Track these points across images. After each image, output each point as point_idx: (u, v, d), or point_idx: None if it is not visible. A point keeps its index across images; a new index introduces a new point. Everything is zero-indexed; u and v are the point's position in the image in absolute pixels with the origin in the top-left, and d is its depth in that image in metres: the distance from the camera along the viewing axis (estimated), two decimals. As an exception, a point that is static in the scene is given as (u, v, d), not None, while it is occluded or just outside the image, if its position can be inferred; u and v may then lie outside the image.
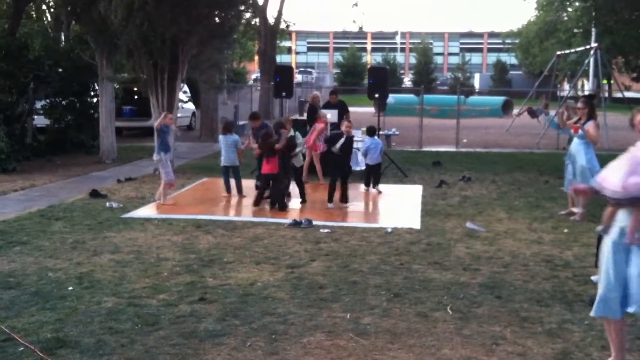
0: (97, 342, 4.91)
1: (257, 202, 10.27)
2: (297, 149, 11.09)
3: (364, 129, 14.88)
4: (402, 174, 13.92)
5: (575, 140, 9.47)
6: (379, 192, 11.88)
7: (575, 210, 9.62)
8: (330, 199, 10.41)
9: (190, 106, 26.29)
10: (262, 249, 7.76)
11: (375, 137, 12.39)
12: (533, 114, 25.84)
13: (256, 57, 39.62)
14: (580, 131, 9.26)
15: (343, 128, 10.81)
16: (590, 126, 9.22)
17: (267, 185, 10.34)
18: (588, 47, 25.29)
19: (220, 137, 11.45)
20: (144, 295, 6.02)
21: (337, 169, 10.59)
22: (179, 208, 10.25)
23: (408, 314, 5.59)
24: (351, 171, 11.52)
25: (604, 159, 12.27)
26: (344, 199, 10.48)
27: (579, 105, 9.65)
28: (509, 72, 63.28)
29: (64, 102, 17.94)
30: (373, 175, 12.06)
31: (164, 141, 10.68)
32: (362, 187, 12.11)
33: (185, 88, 23.93)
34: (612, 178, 4.24)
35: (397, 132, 20.19)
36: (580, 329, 5.28)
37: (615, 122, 26.90)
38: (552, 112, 21.93)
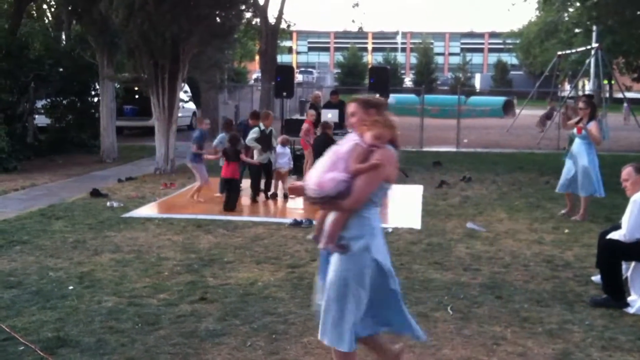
0: (98, 342, 4.91)
1: (227, 207, 10.08)
2: (244, 146, 10.87)
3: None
4: (402, 174, 13.91)
5: (577, 140, 9.40)
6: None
7: (563, 212, 9.61)
8: None
9: (191, 106, 26.29)
10: (262, 248, 7.76)
11: None
12: (549, 117, 25.73)
13: (257, 57, 39.59)
14: (583, 131, 9.22)
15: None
16: (592, 126, 9.19)
17: (232, 189, 10.23)
18: (589, 47, 25.27)
19: (222, 135, 11.43)
20: (145, 294, 6.03)
21: None
22: (179, 208, 10.25)
23: (408, 314, 5.58)
24: None
25: (605, 159, 12.30)
26: None
27: (581, 105, 9.62)
28: (509, 73, 63.25)
29: (65, 102, 17.97)
30: None
31: (200, 145, 10.86)
32: None
33: (186, 88, 23.92)
34: (313, 175, 3.85)
35: (397, 132, 20.15)
36: (581, 330, 5.28)
37: (616, 122, 26.89)
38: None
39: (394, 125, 3.92)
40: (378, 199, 3.85)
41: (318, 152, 10.33)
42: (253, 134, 11.06)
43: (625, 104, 30.31)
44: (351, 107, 3.94)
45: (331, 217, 3.87)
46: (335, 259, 3.84)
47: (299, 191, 3.91)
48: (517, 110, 29.00)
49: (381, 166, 3.74)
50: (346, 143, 3.88)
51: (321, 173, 3.80)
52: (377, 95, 4.23)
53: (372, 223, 3.82)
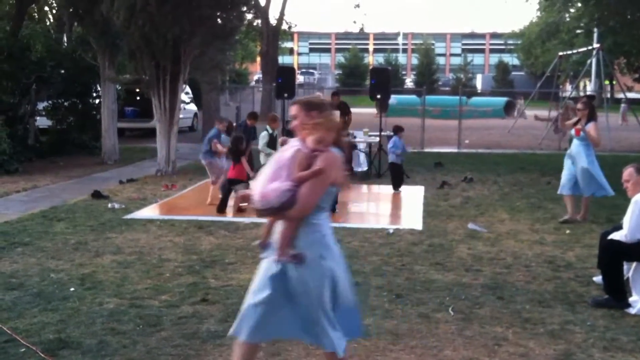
0: (99, 343, 4.92)
1: (221, 208, 10.01)
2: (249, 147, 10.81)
3: (366, 129, 14.90)
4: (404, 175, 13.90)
5: (575, 142, 9.29)
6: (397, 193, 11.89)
7: (565, 217, 9.45)
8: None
9: (193, 107, 26.31)
10: (264, 249, 7.75)
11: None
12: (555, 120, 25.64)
13: (258, 58, 39.63)
14: (582, 133, 9.13)
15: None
16: (591, 127, 9.10)
17: (230, 190, 10.08)
18: (590, 47, 25.28)
19: (223, 137, 11.43)
20: (146, 296, 6.03)
21: None
22: (181, 209, 10.26)
23: (410, 315, 5.59)
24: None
25: (607, 160, 12.30)
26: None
27: (579, 106, 9.55)
28: (511, 73, 63.23)
29: (66, 103, 17.98)
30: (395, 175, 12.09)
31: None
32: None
33: (188, 89, 23.95)
34: (258, 185, 3.69)
35: (392, 133, 20.15)
36: (583, 330, 5.27)
37: (617, 123, 26.86)
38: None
39: (338, 126, 3.80)
40: (326, 204, 3.74)
41: None
42: (263, 138, 11.15)
43: (622, 105, 30.32)
44: (293, 110, 3.78)
45: (279, 226, 3.72)
46: (294, 272, 3.67)
47: (246, 199, 3.78)
48: (526, 112, 29.00)
49: (325, 171, 3.60)
50: (288, 149, 3.74)
51: (265, 183, 3.66)
52: (319, 95, 4.08)
53: (323, 230, 3.70)
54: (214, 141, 10.99)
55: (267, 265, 3.79)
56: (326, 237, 3.71)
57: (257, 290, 3.78)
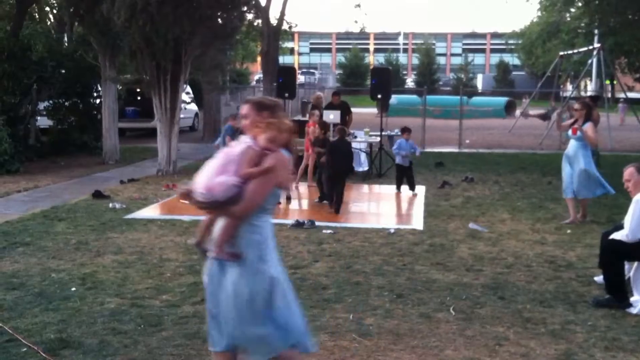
0: (100, 343, 4.92)
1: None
2: None
3: (367, 129, 14.89)
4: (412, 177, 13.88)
5: (573, 142, 9.19)
6: (414, 195, 11.69)
7: (566, 221, 9.35)
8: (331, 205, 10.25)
9: (193, 107, 26.31)
10: (265, 249, 7.75)
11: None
12: (545, 117, 25.77)
13: (259, 58, 39.61)
14: (578, 133, 9.02)
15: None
16: (587, 128, 9.00)
17: None
18: (591, 47, 25.27)
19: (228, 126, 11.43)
20: (147, 296, 6.03)
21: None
22: (181, 209, 10.24)
23: (411, 315, 5.59)
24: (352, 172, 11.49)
25: (607, 159, 12.31)
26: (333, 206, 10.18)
27: (576, 106, 9.47)
28: (511, 73, 63.23)
29: (67, 103, 17.98)
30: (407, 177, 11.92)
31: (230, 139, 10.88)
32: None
33: (188, 89, 23.95)
34: (202, 178, 3.56)
35: (400, 133, 20.17)
36: (584, 330, 5.27)
37: (617, 123, 26.83)
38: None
39: (289, 128, 3.70)
40: (270, 205, 3.65)
41: (336, 157, 10.32)
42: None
43: (620, 104, 30.33)
44: (244, 109, 3.71)
45: (220, 223, 3.62)
46: (231, 272, 3.56)
47: (186, 196, 3.57)
48: (531, 112, 29.01)
49: (274, 171, 3.54)
50: (239, 145, 3.65)
51: (211, 176, 3.53)
52: (272, 97, 3.97)
53: (264, 232, 3.61)
54: (227, 137, 10.98)
55: (207, 265, 3.71)
56: (267, 240, 3.62)
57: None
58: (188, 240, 7.71)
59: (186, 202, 3.55)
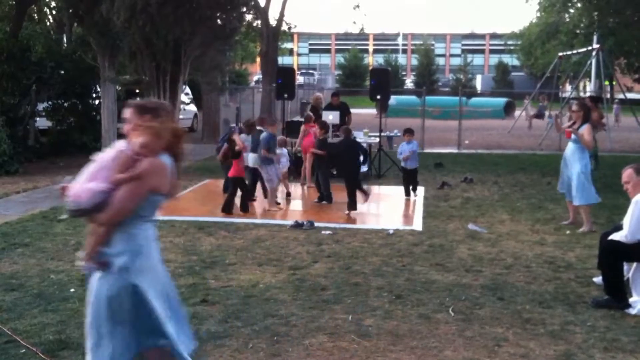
0: (100, 344, 4.91)
1: (226, 209, 9.91)
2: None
3: (366, 130, 14.89)
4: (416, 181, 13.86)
5: (570, 145, 9.06)
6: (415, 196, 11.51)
7: (565, 223, 9.28)
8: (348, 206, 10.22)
9: (193, 108, 26.32)
10: (264, 250, 7.77)
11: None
12: (539, 116, 25.83)
13: (258, 59, 39.61)
14: (573, 135, 8.89)
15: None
16: (585, 130, 8.85)
17: (235, 190, 10.04)
18: (590, 48, 25.28)
19: (244, 136, 11.26)
20: (146, 297, 6.02)
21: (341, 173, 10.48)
22: (181, 210, 10.24)
23: (410, 316, 5.59)
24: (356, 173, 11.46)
25: (606, 160, 12.30)
26: (349, 205, 10.20)
27: (574, 108, 9.38)
28: (511, 74, 63.20)
29: (66, 104, 17.99)
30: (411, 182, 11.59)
31: (268, 148, 10.75)
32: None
33: (187, 90, 23.97)
34: (77, 183, 3.44)
35: (399, 134, 20.19)
36: (583, 331, 5.28)
37: (615, 123, 26.82)
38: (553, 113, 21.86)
39: (174, 133, 3.56)
40: (148, 212, 3.51)
41: (344, 157, 10.34)
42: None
43: (614, 105, 30.37)
44: (126, 113, 3.54)
45: (93, 231, 3.50)
46: (95, 278, 3.46)
47: (63, 194, 3.47)
48: (533, 112, 29.04)
49: (143, 177, 3.39)
50: (112, 150, 3.54)
51: (82, 182, 3.42)
52: (157, 100, 3.83)
53: (138, 240, 3.47)
54: (273, 155, 10.75)
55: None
56: (142, 249, 3.47)
57: None
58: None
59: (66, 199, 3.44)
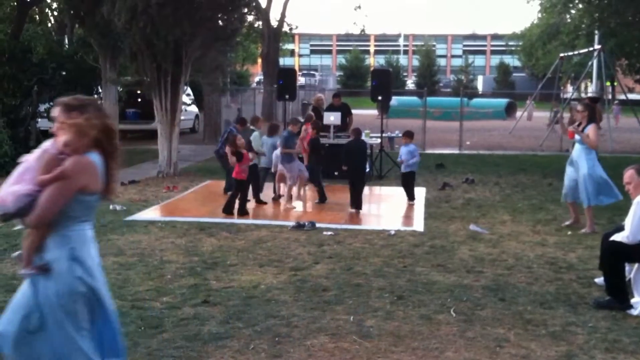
0: (101, 345, 4.91)
1: (227, 209, 9.89)
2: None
3: (367, 131, 14.88)
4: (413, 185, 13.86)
5: (577, 146, 8.95)
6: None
7: (567, 223, 9.21)
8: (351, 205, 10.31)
9: (194, 109, 26.30)
10: (265, 251, 7.77)
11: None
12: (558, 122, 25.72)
13: (259, 60, 39.63)
14: (577, 136, 8.81)
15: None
16: (590, 130, 8.76)
17: (237, 191, 9.99)
18: (591, 49, 25.27)
19: (266, 138, 11.25)
20: (148, 297, 6.03)
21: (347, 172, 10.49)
22: (182, 211, 10.26)
23: (411, 317, 5.58)
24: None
25: (608, 161, 12.28)
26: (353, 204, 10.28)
27: (579, 108, 9.30)
28: (512, 75, 63.20)
29: (67, 105, 17.98)
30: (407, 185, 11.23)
31: (287, 145, 10.85)
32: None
33: (189, 91, 23.96)
34: (4, 187, 3.30)
35: (400, 135, 20.19)
36: (584, 332, 5.27)
37: (614, 124, 26.79)
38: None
39: (103, 129, 3.41)
40: (80, 213, 3.37)
41: (352, 157, 10.35)
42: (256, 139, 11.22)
43: (614, 106, 30.37)
44: (54, 112, 3.44)
45: (27, 236, 3.38)
46: (41, 284, 3.34)
47: None
48: (533, 113, 29.05)
49: (68, 176, 3.26)
50: (38, 150, 3.42)
51: (8, 185, 3.30)
52: (84, 96, 3.62)
53: (72, 242, 3.34)
54: (293, 151, 10.83)
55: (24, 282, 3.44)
56: (75, 251, 3.34)
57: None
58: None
59: None
